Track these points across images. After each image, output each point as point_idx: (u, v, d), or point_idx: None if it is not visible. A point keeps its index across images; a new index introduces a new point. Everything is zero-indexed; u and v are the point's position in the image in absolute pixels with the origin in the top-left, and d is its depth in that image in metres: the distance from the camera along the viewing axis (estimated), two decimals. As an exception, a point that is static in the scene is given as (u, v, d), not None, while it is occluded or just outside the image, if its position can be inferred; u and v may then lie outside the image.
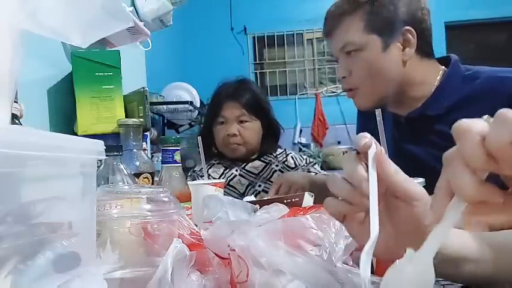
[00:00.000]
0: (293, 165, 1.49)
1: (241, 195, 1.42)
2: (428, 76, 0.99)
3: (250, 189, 1.44)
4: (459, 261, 0.50)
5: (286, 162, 1.50)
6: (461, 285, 0.55)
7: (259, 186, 1.44)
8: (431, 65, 1.00)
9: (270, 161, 1.50)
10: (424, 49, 0.98)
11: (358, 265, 0.57)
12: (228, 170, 1.48)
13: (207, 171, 1.48)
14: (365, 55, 0.97)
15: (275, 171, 1.47)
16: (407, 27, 0.95)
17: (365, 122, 1.22)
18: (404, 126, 1.03)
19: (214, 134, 1.48)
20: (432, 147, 0.96)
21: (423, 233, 0.41)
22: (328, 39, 1.06)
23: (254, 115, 1.44)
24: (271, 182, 1.44)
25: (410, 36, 0.96)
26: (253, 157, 1.51)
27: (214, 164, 1.51)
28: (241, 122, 1.43)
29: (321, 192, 0.85)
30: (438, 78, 0.99)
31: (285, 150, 1.55)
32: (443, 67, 1.01)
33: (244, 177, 1.46)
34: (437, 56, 1.03)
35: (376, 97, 0.99)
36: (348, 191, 0.44)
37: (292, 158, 1.51)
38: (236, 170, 1.47)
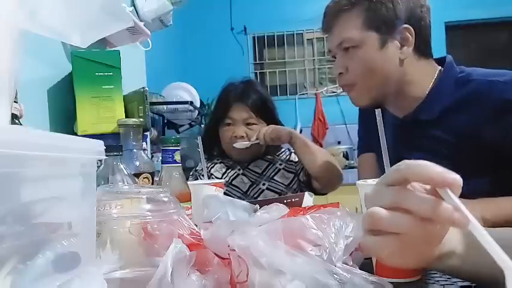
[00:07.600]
0: (296, 160, 1.49)
1: (244, 194, 1.43)
2: (424, 76, 0.99)
3: (253, 189, 1.44)
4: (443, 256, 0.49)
5: (290, 158, 1.50)
6: (460, 285, 0.55)
7: (263, 185, 1.44)
8: (428, 65, 1.00)
9: (273, 159, 1.50)
10: (422, 48, 0.97)
11: (358, 265, 0.57)
12: (230, 169, 1.48)
13: (210, 171, 1.48)
14: (362, 52, 0.97)
15: (279, 169, 1.47)
16: (406, 25, 0.94)
17: (366, 122, 1.22)
18: (400, 130, 1.03)
19: (220, 134, 1.47)
20: (425, 152, 0.96)
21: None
22: (326, 35, 1.06)
23: (261, 117, 1.44)
24: (276, 180, 1.45)
25: (409, 34, 0.95)
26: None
27: (216, 163, 1.51)
28: (248, 124, 1.43)
29: None
30: (433, 79, 0.98)
31: (288, 148, 1.56)
32: (440, 67, 1.00)
33: (247, 177, 1.46)
34: (436, 56, 1.03)
35: (372, 94, 0.99)
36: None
37: (295, 153, 1.52)
38: (239, 169, 1.47)
